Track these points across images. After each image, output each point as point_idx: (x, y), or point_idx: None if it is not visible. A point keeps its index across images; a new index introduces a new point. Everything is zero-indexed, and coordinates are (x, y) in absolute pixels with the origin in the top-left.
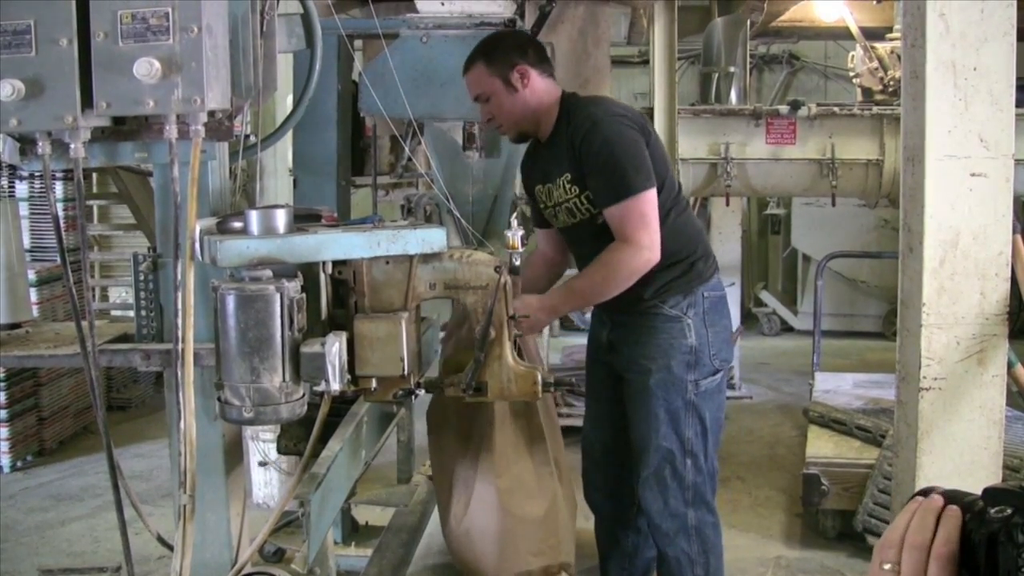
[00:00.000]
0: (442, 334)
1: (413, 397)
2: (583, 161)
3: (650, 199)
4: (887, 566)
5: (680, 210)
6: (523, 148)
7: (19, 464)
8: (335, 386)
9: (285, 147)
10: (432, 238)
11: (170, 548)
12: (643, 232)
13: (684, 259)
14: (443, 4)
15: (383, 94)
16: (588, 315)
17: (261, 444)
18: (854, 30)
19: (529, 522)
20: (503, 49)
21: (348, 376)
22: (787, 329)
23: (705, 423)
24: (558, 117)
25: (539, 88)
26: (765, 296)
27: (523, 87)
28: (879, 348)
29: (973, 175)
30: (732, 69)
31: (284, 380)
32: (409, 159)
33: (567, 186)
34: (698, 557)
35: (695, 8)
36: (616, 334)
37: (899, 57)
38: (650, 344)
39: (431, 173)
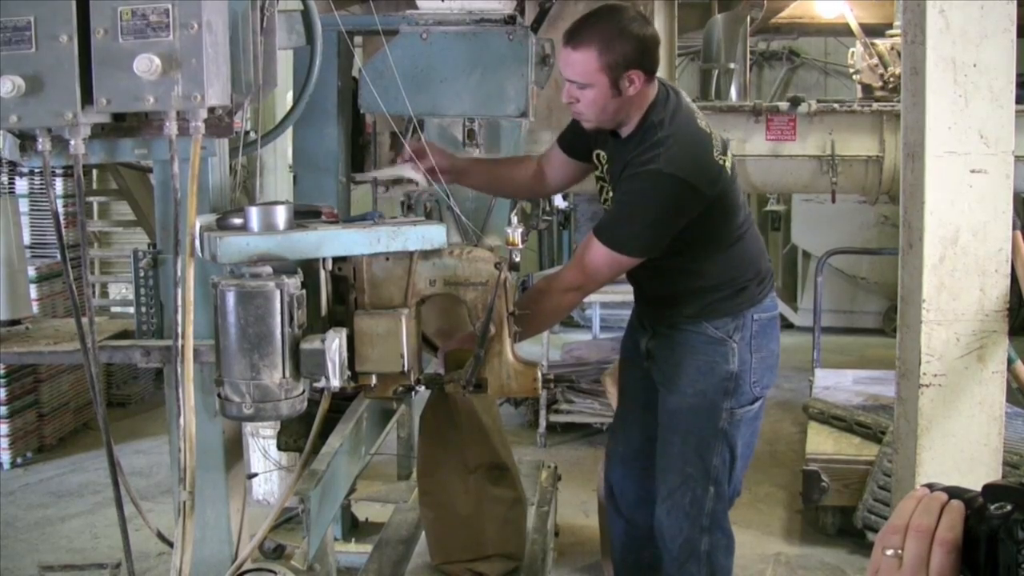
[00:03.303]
0: None
1: (413, 394)
2: (619, 185)
3: (619, 262)
4: (890, 552)
5: (742, 237)
6: (522, 145)
7: (19, 460)
8: (335, 383)
9: (285, 144)
10: (432, 235)
11: (170, 544)
12: (580, 274)
13: (736, 282)
14: (443, 1)
15: (383, 91)
16: (588, 312)
17: (261, 441)
18: (854, 26)
19: (450, 520)
20: (623, 45)
21: (348, 373)
22: (787, 326)
23: (735, 452)
24: (638, 124)
25: (642, 94)
26: None
27: (628, 93)
28: (879, 344)
29: (973, 171)
30: (732, 65)
31: (284, 376)
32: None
33: (610, 201)
34: None
35: (695, 4)
36: (655, 344)
37: (899, 53)
38: (689, 364)
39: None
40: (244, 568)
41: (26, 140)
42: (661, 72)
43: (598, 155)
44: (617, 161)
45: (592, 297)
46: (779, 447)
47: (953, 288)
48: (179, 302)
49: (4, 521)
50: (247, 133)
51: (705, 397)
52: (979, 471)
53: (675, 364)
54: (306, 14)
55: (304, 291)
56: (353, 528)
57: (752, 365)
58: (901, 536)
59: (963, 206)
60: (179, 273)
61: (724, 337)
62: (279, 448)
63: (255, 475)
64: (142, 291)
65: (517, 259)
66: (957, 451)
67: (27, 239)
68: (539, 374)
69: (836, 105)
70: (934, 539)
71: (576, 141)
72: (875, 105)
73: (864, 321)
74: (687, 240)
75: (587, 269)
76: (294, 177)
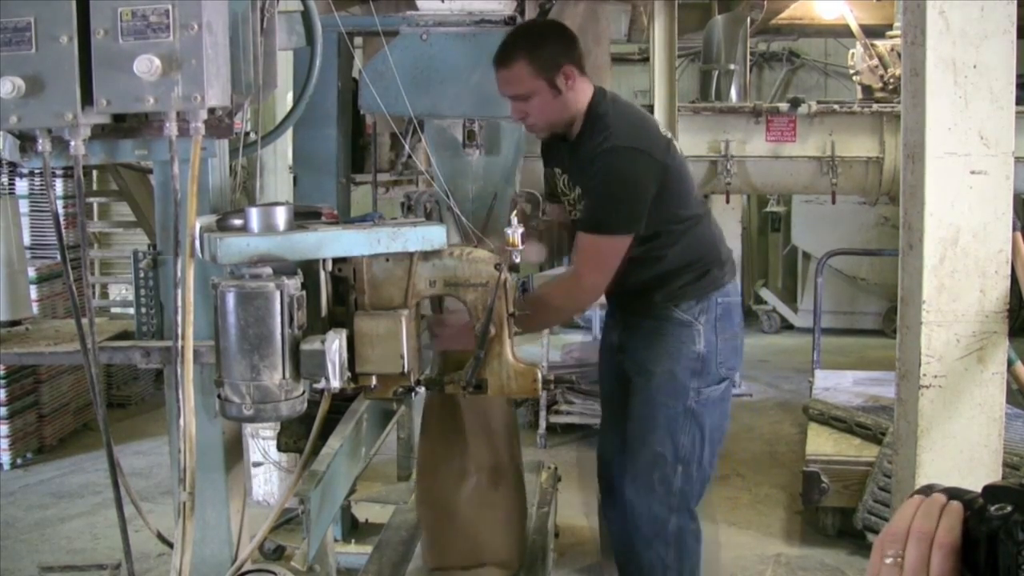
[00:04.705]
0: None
1: (413, 394)
2: (583, 177)
3: (619, 244)
4: (888, 559)
5: (700, 221)
6: (523, 146)
7: (19, 461)
8: (335, 383)
9: (285, 144)
10: (432, 235)
11: (170, 545)
12: (593, 272)
13: (699, 265)
14: (443, 1)
15: (383, 91)
16: (588, 312)
17: (261, 442)
18: (854, 27)
19: (447, 524)
20: (549, 47)
21: (348, 373)
22: (787, 327)
23: (704, 431)
24: (584, 121)
25: (580, 89)
26: (765, 293)
27: (567, 89)
28: (879, 345)
29: (973, 172)
30: (732, 66)
31: (284, 377)
32: (409, 156)
33: (578, 200)
34: (673, 563)
35: (695, 5)
36: (625, 335)
37: (899, 54)
38: (657, 347)
39: (431, 170)
40: (244, 569)
41: (26, 141)
42: (662, 73)
43: (555, 174)
44: (576, 160)
45: None
46: (779, 448)
47: (953, 289)
48: (179, 303)
49: (4, 522)
50: (247, 134)
51: (674, 377)
52: (979, 472)
53: (645, 348)
54: (306, 15)
55: (304, 292)
56: (353, 529)
57: (718, 346)
58: (901, 542)
59: (963, 207)
60: (179, 274)
61: (691, 320)
62: (279, 449)
63: (261, 464)
64: (142, 292)
65: (517, 260)
66: (957, 452)
67: (27, 240)
68: (539, 375)
69: (836, 106)
70: (933, 542)
71: (551, 187)
72: (875, 106)
73: (864, 322)
74: (649, 224)
75: (596, 264)
76: (294, 178)
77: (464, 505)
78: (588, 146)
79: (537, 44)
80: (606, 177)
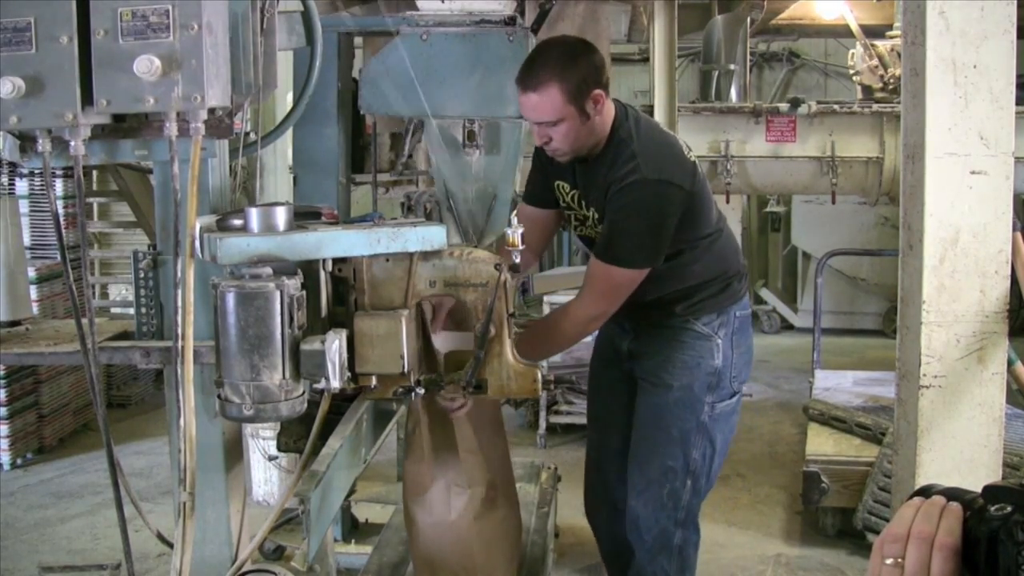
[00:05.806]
0: None
1: (413, 395)
2: (608, 205)
3: (633, 277)
4: (889, 561)
5: (720, 235)
6: (523, 146)
7: (19, 461)
8: (335, 384)
9: (285, 145)
10: (432, 236)
11: (170, 545)
12: (601, 301)
13: (721, 279)
14: (443, 2)
15: (383, 92)
16: None
17: (262, 442)
18: (854, 28)
19: (437, 544)
20: (581, 73)
21: (348, 374)
22: (787, 327)
23: (715, 445)
24: (607, 142)
25: (606, 112)
26: (765, 293)
27: (595, 114)
28: (879, 346)
29: (973, 173)
30: (732, 67)
31: (284, 378)
32: (409, 157)
33: (595, 223)
34: (675, 575)
35: (695, 5)
36: (639, 344)
37: (899, 55)
38: (675, 359)
39: (431, 170)
40: (244, 569)
41: (26, 141)
42: (662, 73)
43: (559, 186)
44: (593, 184)
45: None
46: (779, 448)
47: (953, 289)
48: (179, 303)
49: (4, 522)
50: (247, 134)
51: (691, 391)
52: (979, 472)
53: (663, 359)
54: (306, 15)
55: (304, 292)
56: (353, 529)
57: (733, 360)
58: (901, 544)
59: (963, 207)
60: (179, 274)
61: (711, 333)
62: (279, 449)
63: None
64: (142, 292)
65: (517, 260)
66: (957, 452)
67: (27, 240)
68: (539, 375)
69: (836, 106)
70: (934, 544)
71: (540, 190)
72: (875, 106)
73: (864, 322)
74: (672, 243)
75: (607, 294)
76: (294, 178)
77: (456, 523)
78: (612, 173)
79: (568, 68)
80: (631, 210)
